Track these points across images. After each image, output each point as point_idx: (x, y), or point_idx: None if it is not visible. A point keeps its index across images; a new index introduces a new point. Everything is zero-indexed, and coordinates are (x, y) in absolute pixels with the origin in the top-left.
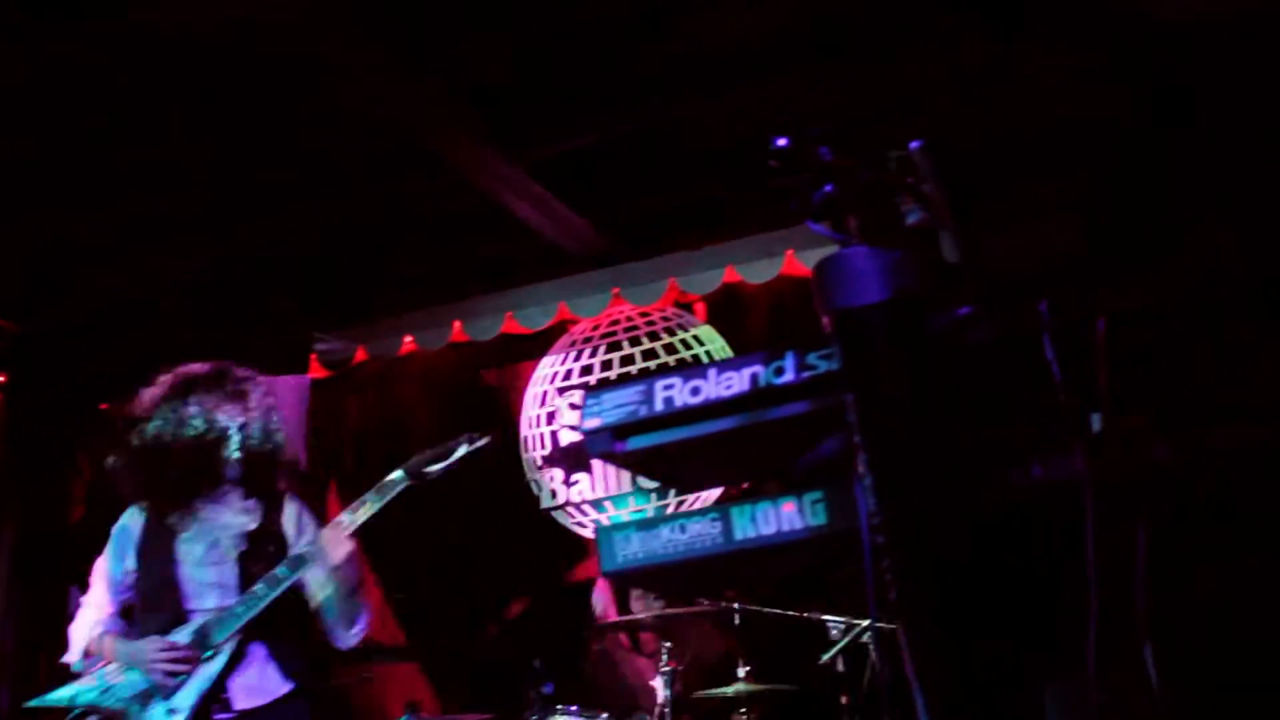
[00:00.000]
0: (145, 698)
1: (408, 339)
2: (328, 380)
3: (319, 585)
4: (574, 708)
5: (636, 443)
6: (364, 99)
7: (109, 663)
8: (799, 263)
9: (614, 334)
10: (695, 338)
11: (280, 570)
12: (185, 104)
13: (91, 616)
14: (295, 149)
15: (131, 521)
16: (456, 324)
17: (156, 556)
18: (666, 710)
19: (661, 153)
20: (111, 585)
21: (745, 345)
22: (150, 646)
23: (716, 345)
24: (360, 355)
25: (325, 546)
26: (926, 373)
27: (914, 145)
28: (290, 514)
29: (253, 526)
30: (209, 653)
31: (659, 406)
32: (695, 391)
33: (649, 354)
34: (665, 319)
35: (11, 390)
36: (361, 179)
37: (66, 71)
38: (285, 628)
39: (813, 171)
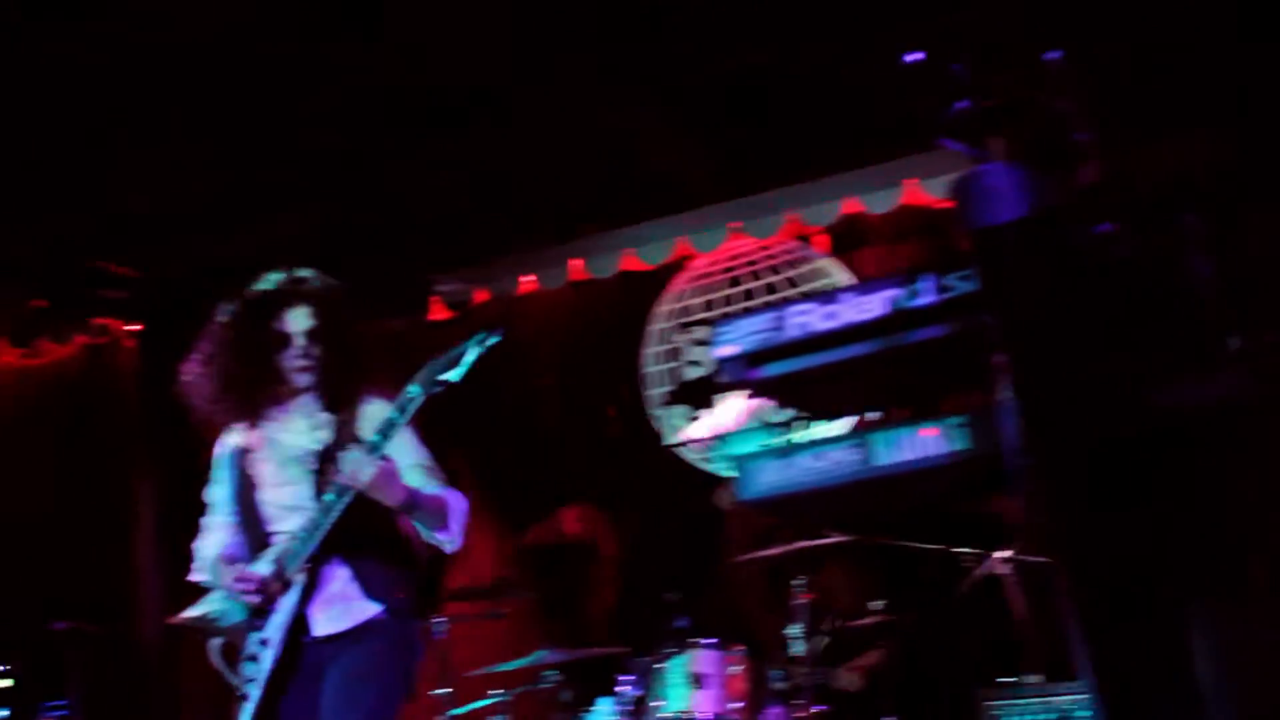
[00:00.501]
0: (249, 625)
1: (527, 278)
2: (448, 322)
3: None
4: (712, 640)
5: (770, 369)
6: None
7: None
8: (921, 191)
9: (733, 269)
10: (815, 270)
11: (327, 496)
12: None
13: (207, 538)
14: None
15: (225, 443)
16: (576, 262)
17: (241, 479)
18: (799, 645)
19: (781, 83)
20: (215, 508)
21: (866, 277)
22: (229, 575)
23: (837, 278)
24: (480, 296)
25: (353, 471)
26: (1068, 292)
27: (1052, 56)
28: (369, 425)
29: (325, 443)
30: (287, 581)
31: (793, 332)
32: (830, 316)
33: (769, 288)
34: (786, 252)
35: (146, 339)
36: (481, 117)
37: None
38: (367, 548)
39: (949, 88)
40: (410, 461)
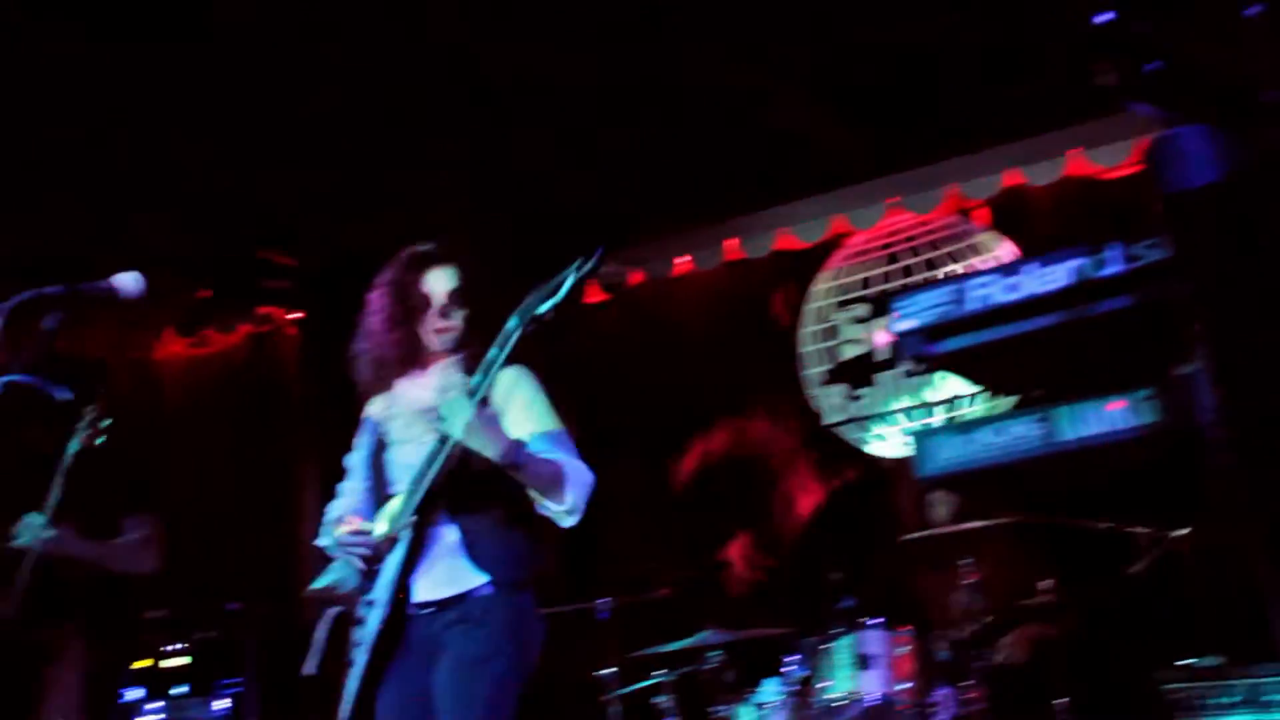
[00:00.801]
0: (361, 588)
1: (682, 259)
2: (605, 303)
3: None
4: (879, 620)
5: (950, 344)
6: None
7: None
8: (1086, 161)
9: (892, 245)
10: (976, 245)
11: (430, 446)
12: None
13: (336, 502)
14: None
15: (368, 409)
16: (731, 242)
17: (375, 442)
18: (967, 626)
19: (935, 53)
20: (350, 473)
21: (1030, 251)
22: (341, 531)
23: (999, 252)
24: (635, 277)
25: (449, 415)
26: (1264, 258)
27: (1252, 12)
28: (504, 386)
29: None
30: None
31: (974, 305)
32: (1012, 288)
33: (929, 264)
34: (946, 227)
35: (308, 327)
36: (637, 93)
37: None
38: (478, 509)
39: (1138, 48)
40: (531, 428)
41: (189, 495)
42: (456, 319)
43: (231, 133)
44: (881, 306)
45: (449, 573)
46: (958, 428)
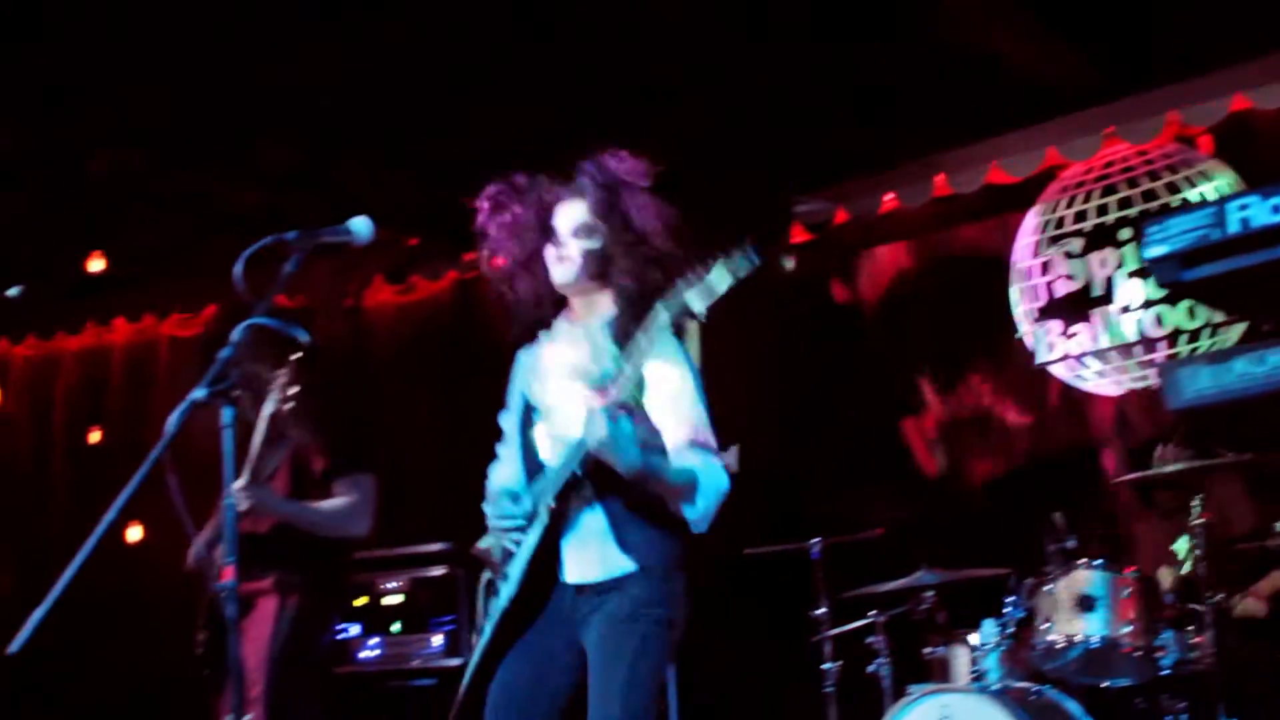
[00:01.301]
0: (503, 559)
1: (888, 196)
2: (809, 243)
3: None
4: (1098, 561)
5: (1207, 269)
6: None
7: None
8: None
9: (1108, 177)
10: (1201, 174)
11: (574, 441)
12: None
13: (497, 470)
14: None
15: (520, 359)
16: (938, 177)
17: (524, 405)
18: (1188, 572)
19: None
20: (506, 435)
21: (1259, 181)
22: (495, 517)
23: (1226, 182)
24: (840, 216)
25: (587, 424)
26: None
27: None
28: (652, 373)
29: (599, 365)
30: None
31: (1234, 228)
32: (1278, 210)
33: (1149, 195)
34: (1166, 156)
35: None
36: (835, 27)
37: None
38: (626, 497)
39: None
40: (671, 426)
41: (399, 439)
42: (575, 251)
43: (436, 79)
44: (1097, 240)
45: (599, 556)
46: (1211, 357)
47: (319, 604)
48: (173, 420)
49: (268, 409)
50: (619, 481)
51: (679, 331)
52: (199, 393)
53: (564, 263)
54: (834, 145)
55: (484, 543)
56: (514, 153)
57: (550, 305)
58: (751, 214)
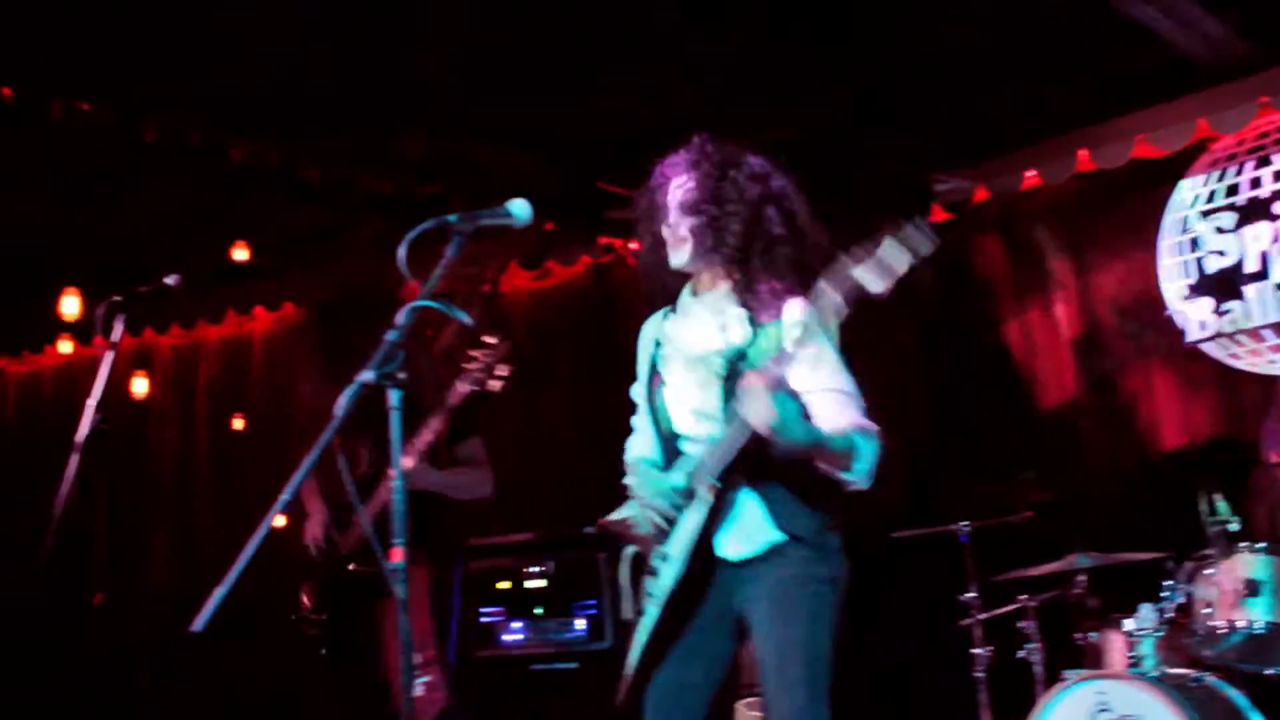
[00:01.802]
0: (657, 536)
1: (1030, 173)
2: (948, 223)
3: None
4: (1262, 545)
5: None
6: None
7: None
8: None
9: (1262, 147)
10: None
11: (731, 417)
12: None
13: (634, 440)
14: None
15: (645, 335)
16: (1082, 153)
17: (653, 377)
18: None
19: None
20: (639, 409)
21: None
22: (640, 490)
23: None
24: (980, 194)
25: (745, 399)
26: None
27: None
28: (788, 325)
29: (734, 343)
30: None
31: None
32: None
33: None
34: None
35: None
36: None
37: None
38: (778, 475)
39: None
40: (821, 385)
41: (537, 426)
42: (685, 229)
43: (572, 58)
44: (1250, 214)
45: (753, 530)
46: None
47: (453, 571)
48: (342, 403)
49: (461, 389)
50: (770, 458)
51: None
52: (368, 374)
53: (677, 242)
54: (974, 122)
55: (624, 513)
56: (648, 137)
57: (673, 278)
58: (888, 193)
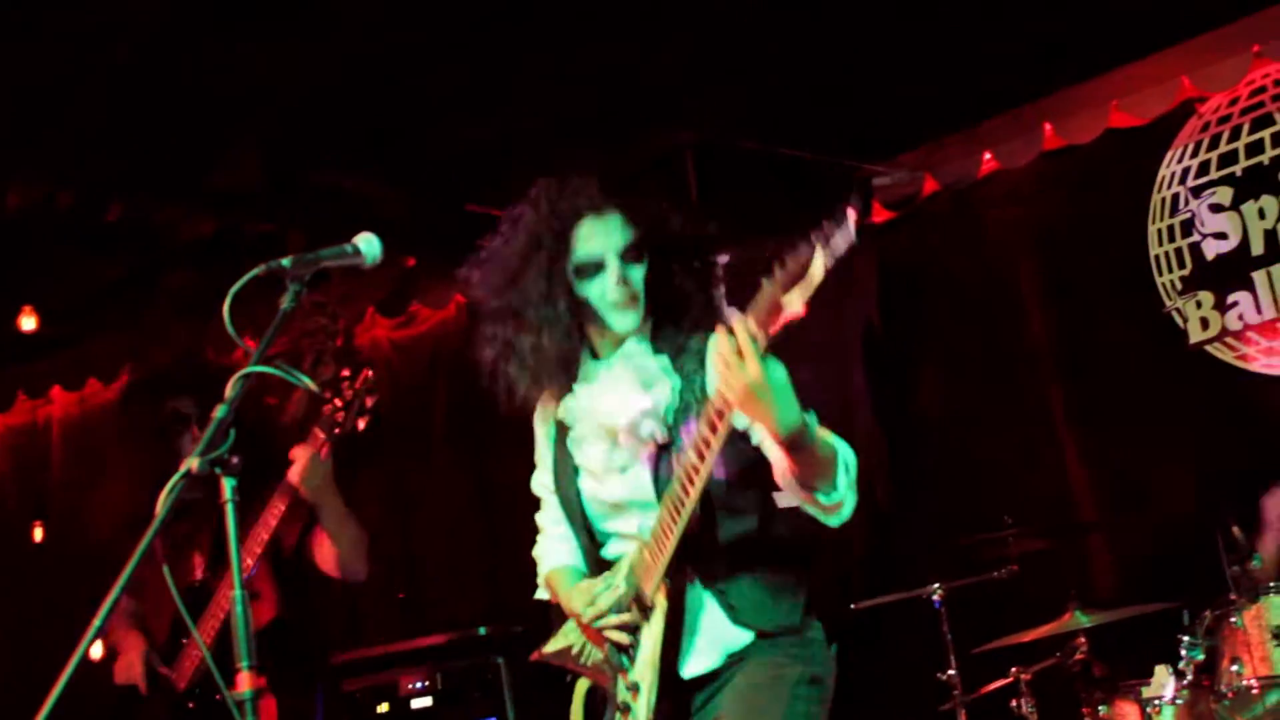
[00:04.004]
0: (613, 664)
1: (987, 155)
2: (892, 223)
3: None
4: None
5: None
6: None
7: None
8: None
9: (1259, 105)
10: None
11: (670, 489)
12: None
13: (542, 545)
14: None
15: (543, 415)
16: (1047, 127)
17: (561, 461)
18: None
19: None
20: (546, 504)
21: None
22: (577, 604)
23: None
24: (929, 185)
25: (725, 378)
26: None
27: None
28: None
29: (659, 402)
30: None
31: None
32: None
33: None
34: None
35: None
36: None
37: None
38: (734, 562)
39: None
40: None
41: (407, 506)
42: (637, 285)
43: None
44: (1252, 186)
45: (711, 637)
46: None
47: (314, 699)
48: (164, 500)
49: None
50: (726, 542)
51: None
52: (194, 462)
53: (628, 303)
54: (912, 101)
55: (561, 643)
56: (521, 149)
57: (580, 343)
58: (823, 193)
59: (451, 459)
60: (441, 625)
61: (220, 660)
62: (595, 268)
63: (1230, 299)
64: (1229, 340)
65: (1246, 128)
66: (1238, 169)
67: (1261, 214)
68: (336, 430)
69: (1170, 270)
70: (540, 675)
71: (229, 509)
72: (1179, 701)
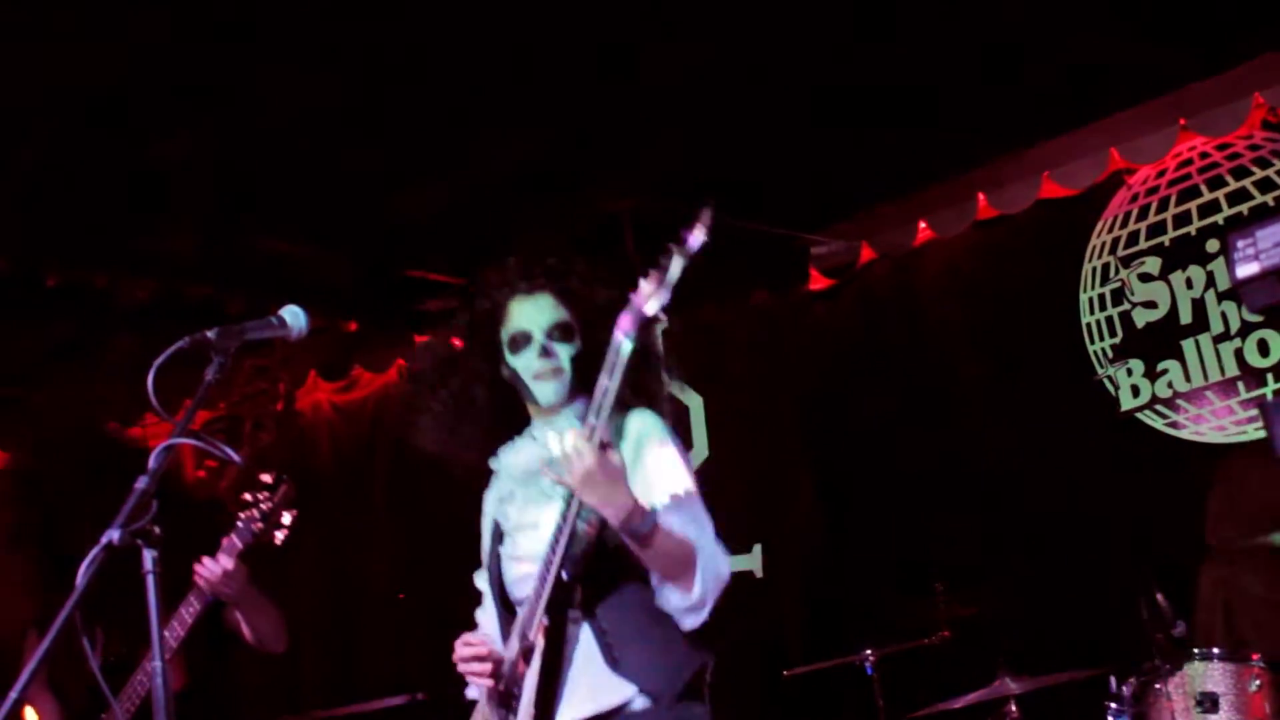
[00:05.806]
0: (499, 717)
1: (922, 225)
2: (830, 290)
3: None
4: (1215, 651)
5: None
6: None
7: None
8: None
9: (1186, 178)
10: None
11: (554, 523)
12: None
13: (480, 613)
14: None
15: (488, 498)
16: (981, 197)
17: (493, 544)
18: None
19: None
20: (485, 590)
21: None
22: (461, 651)
23: None
24: (866, 254)
25: (564, 461)
26: None
27: None
28: (629, 434)
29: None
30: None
31: None
32: None
33: (1236, 196)
34: (1253, 148)
35: None
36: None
37: None
38: (620, 605)
39: None
40: (661, 491)
41: (345, 570)
42: (562, 359)
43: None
44: (1180, 256)
45: (590, 684)
46: None
47: None
48: (82, 573)
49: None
50: (612, 581)
51: (661, 411)
52: (114, 534)
53: (550, 375)
54: (848, 171)
55: (472, 695)
56: (459, 213)
57: (514, 414)
58: (762, 262)
59: (391, 522)
60: (381, 689)
61: None
62: (524, 340)
63: (1160, 367)
64: (1159, 408)
65: (1174, 199)
66: (1166, 239)
67: (1189, 284)
68: (252, 540)
69: (1102, 338)
70: None
71: (149, 581)
72: None
